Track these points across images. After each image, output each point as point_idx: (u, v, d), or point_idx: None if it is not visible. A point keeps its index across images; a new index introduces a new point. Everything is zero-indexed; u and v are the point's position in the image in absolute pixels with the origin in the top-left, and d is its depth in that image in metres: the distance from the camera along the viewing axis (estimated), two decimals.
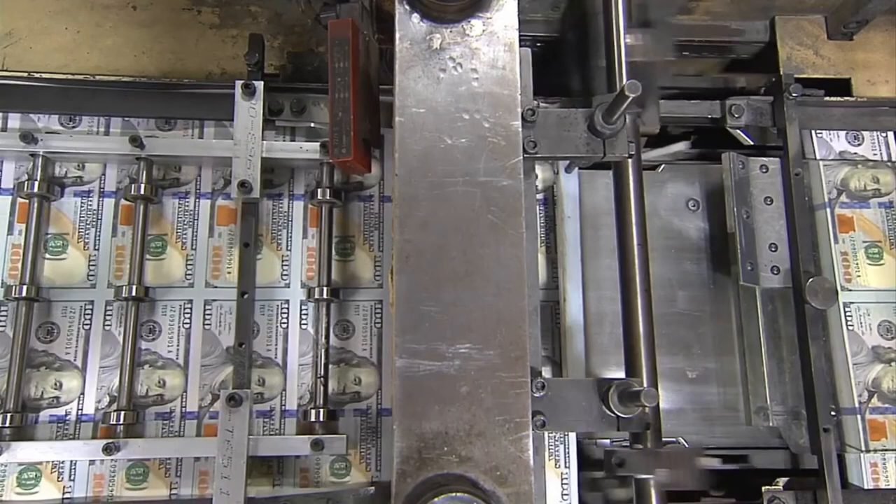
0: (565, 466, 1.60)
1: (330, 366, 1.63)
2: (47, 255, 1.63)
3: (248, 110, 1.62)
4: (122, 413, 1.52)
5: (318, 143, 1.65)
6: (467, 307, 1.14)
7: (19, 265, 1.59)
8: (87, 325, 1.61)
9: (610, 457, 1.49)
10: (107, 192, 1.68)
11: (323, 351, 1.61)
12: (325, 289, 1.63)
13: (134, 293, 1.57)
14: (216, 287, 1.65)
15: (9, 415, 1.50)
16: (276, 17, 1.86)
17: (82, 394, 1.58)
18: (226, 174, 1.70)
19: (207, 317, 1.64)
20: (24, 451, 1.48)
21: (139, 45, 1.80)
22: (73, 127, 1.70)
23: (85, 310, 1.62)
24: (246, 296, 1.60)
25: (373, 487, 1.56)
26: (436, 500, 1.03)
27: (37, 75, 1.69)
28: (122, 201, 1.67)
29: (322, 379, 1.59)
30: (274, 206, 1.71)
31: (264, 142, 1.62)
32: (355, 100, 1.44)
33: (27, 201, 1.62)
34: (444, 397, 1.11)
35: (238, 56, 1.80)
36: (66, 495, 1.53)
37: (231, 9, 1.85)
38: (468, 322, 1.14)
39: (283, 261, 1.69)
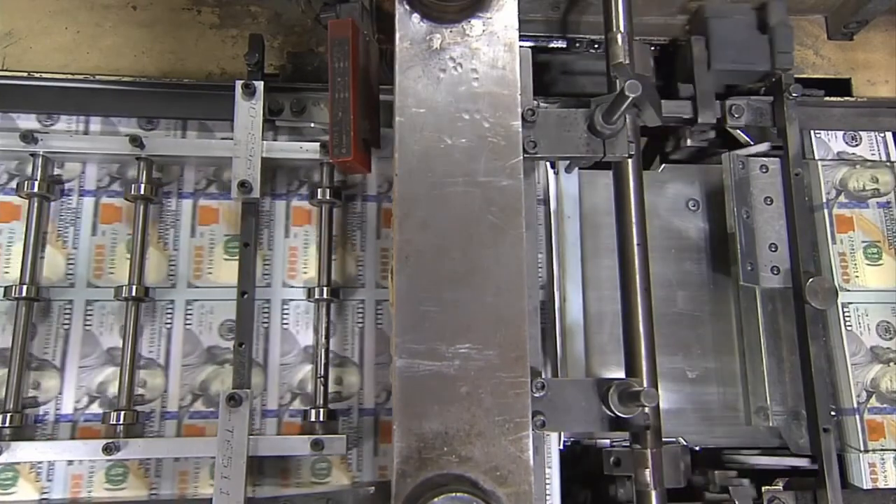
0: (547, 467, 1.60)
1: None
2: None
3: (248, 110, 1.62)
4: (122, 413, 1.52)
5: (318, 143, 1.65)
6: (467, 307, 1.14)
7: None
8: (66, 325, 1.60)
9: (609, 457, 1.50)
10: (86, 191, 1.67)
11: (323, 351, 1.61)
12: (325, 289, 1.63)
13: (134, 293, 1.57)
14: (198, 287, 1.65)
15: (9, 414, 1.50)
16: (276, 17, 1.87)
17: (60, 394, 1.57)
18: (208, 174, 1.69)
19: (188, 317, 1.63)
20: (25, 451, 1.48)
21: (139, 45, 1.80)
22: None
23: (64, 309, 1.61)
24: (246, 296, 1.60)
25: (373, 487, 1.56)
26: (436, 500, 1.03)
27: (37, 75, 1.69)
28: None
29: (322, 379, 1.59)
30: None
31: (264, 142, 1.62)
32: (355, 100, 1.44)
33: (26, 201, 1.62)
34: (444, 397, 1.11)
35: (238, 56, 1.80)
36: (44, 496, 1.53)
37: (231, 9, 1.85)
38: (468, 322, 1.14)
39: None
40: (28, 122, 1.68)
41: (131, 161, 1.64)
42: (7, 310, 1.58)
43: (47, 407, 1.57)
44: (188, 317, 1.64)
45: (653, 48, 1.86)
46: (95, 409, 1.57)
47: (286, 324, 1.65)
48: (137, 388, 1.59)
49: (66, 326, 1.60)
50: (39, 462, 1.52)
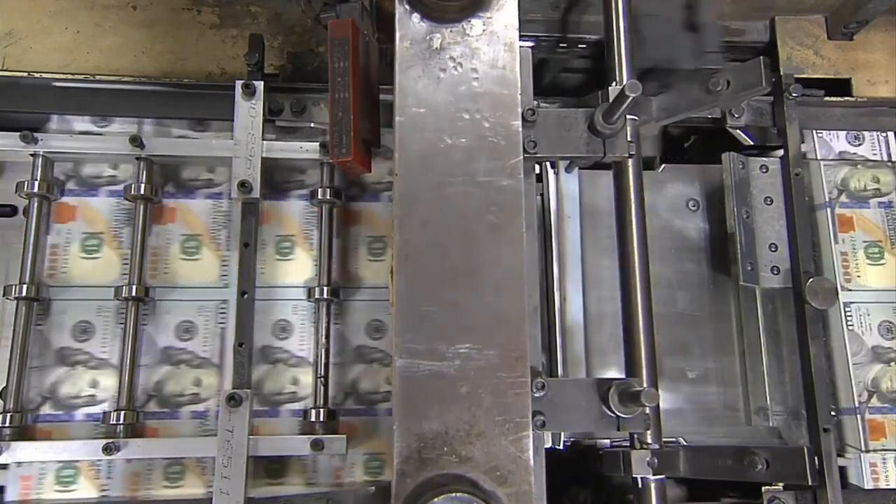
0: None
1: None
2: (82, 255, 1.64)
3: (248, 110, 1.62)
4: (123, 413, 1.53)
5: (318, 143, 1.65)
6: (467, 307, 1.14)
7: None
8: (121, 324, 1.61)
9: (609, 457, 1.49)
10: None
11: (323, 351, 1.61)
12: (325, 289, 1.63)
13: (134, 293, 1.57)
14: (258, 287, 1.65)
15: (9, 414, 1.50)
16: (276, 17, 1.86)
17: (118, 393, 1.57)
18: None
19: None
20: (24, 451, 1.48)
21: (139, 45, 1.80)
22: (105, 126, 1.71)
23: (120, 309, 1.62)
24: (246, 296, 1.60)
25: (373, 487, 1.56)
26: (436, 500, 1.03)
27: (37, 75, 1.69)
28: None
29: (322, 379, 1.59)
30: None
31: (264, 142, 1.62)
32: (355, 100, 1.44)
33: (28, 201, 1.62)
34: (444, 397, 1.11)
35: (238, 56, 1.79)
36: (104, 493, 1.54)
37: (231, 9, 1.85)
38: (468, 322, 1.14)
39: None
40: (82, 124, 1.70)
41: (182, 162, 1.65)
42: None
43: (106, 406, 1.58)
44: None
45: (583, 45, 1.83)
46: (153, 407, 1.58)
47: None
48: (192, 386, 1.61)
49: (122, 325, 1.61)
50: (98, 460, 1.54)
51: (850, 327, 1.69)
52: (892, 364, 1.69)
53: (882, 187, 1.79)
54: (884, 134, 1.84)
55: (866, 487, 1.58)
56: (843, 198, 1.77)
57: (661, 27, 1.72)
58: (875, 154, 1.82)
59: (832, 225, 1.75)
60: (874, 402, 1.66)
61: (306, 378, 1.63)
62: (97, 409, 1.57)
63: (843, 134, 1.82)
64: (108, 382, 1.58)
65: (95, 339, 1.60)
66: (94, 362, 1.59)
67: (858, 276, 1.73)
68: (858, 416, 1.64)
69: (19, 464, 1.52)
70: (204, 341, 1.63)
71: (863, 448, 1.62)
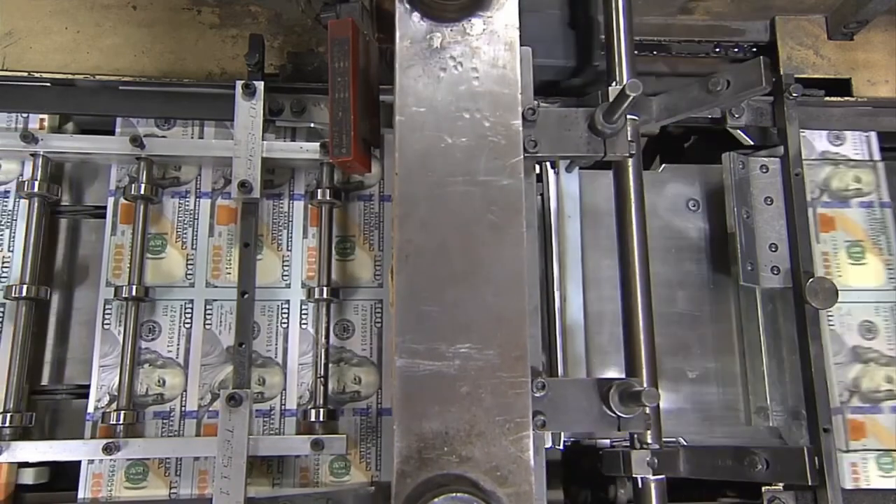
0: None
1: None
2: (148, 255, 1.65)
3: (248, 110, 1.62)
4: (123, 413, 1.52)
5: (318, 143, 1.65)
6: (467, 307, 1.14)
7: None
8: (188, 324, 1.63)
9: (609, 457, 1.49)
10: (203, 193, 1.70)
11: (323, 351, 1.61)
12: (325, 289, 1.63)
13: (134, 293, 1.57)
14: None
15: (9, 414, 1.49)
16: (276, 17, 1.86)
17: (184, 391, 1.59)
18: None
19: (208, 316, 1.64)
20: (24, 451, 1.48)
21: (139, 45, 1.80)
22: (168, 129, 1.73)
23: (185, 309, 1.63)
24: (246, 296, 1.60)
25: (373, 487, 1.56)
26: (436, 500, 1.03)
27: (37, 75, 1.69)
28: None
29: (322, 379, 1.59)
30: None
31: (264, 142, 1.62)
32: (355, 100, 1.44)
33: (24, 202, 1.62)
34: (444, 397, 1.11)
35: (238, 56, 1.79)
36: (174, 491, 1.54)
37: (231, 9, 1.85)
38: (468, 322, 1.14)
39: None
40: (147, 127, 1.71)
41: (243, 163, 1.63)
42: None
43: (173, 404, 1.59)
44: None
45: None
46: (218, 406, 1.57)
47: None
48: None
49: (187, 325, 1.62)
50: (168, 457, 1.55)
51: (832, 327, 1.69)
52: (872, 364, 1.69)
53: (863, 187, 1.79)
54: (865, 133, 1.83)
55: (847, 487, 1.58)
56: (825, 197, 1.78)
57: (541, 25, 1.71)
58: (857, 154, 1.82)
59: (814, 224, 1.75)
60: (855, 401, 1.66)
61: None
62: (166, 408, 1.59)
63: (824, 133, 1.82)
64: (174, 381, 1.60)
65: (161, 338, 1.62)
66: (161, 361, 1.61)
67: (840, 276, 1.73)
68: (840, 417, 1.64)
69: (90, 461, 1.53)
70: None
71: (844, 448, 1.62)
